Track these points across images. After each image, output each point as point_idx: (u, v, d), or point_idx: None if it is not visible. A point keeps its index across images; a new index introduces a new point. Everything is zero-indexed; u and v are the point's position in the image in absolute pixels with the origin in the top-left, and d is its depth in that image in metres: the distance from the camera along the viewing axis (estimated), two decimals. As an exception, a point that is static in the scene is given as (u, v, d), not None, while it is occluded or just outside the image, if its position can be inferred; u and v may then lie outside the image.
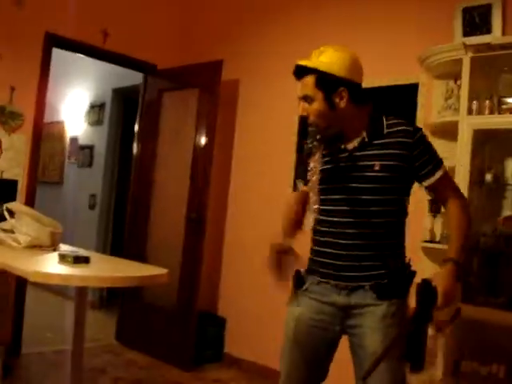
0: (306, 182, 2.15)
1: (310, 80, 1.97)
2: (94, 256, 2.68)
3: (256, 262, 4.50)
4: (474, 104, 3.06)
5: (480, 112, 3.05)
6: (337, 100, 1.97)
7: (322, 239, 2.09)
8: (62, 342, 4.40)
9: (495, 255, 2.97)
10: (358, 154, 2.01)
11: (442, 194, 2.09)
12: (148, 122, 5.08)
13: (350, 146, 2.03)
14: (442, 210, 3.24)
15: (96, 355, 4.49)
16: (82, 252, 2.69)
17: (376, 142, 1.99)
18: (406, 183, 2.05)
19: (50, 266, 2.49)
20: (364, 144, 2.00)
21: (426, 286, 1.83)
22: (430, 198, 3.13)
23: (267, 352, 4.31)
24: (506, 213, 3.09)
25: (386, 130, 1.99)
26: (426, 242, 3.26)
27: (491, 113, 3.03)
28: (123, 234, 5.27)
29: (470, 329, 2.96)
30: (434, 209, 3.23)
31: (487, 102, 3.04)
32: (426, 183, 2.03)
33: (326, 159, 2.09)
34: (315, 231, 2.13)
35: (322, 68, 1.95)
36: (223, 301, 4.81)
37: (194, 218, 4.45)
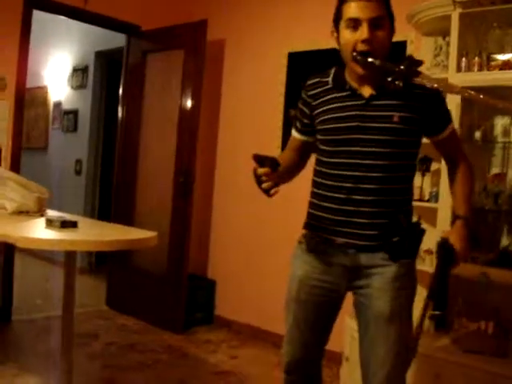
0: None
1: (382, 5, 1.90)
2: (82, 221, 2.65)
3: (245, 223, 4.52)
4: (463, 61, 3.02)
5: (469, 69, 3.01)
6: (391, 36, 1.94)
7: (329, 194, 1.96)
8: (52, 308, 4.40)
9: (484, 212, 2.98)
10: (374, 102, 1.90)
11: (449, 151, 2.08)
12: (133, 85, 4.99)
13: (366, 92, 1.92)
14: (432, 168, 3.24)
15: (87, 320, 4.50)
16: (69, 217, 2.66)
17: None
18: (419, 136, 1.99)
19: (38, 231, 2.46)
20: (382, 92, 1.89)
21: (445, 246, 1.89)
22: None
23: (257, 313, 4.35)
24: (495, 170, 3.09)
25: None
26: (415, 200, 3.24)
27: (480, 69, 2.99)
28: (110, 198, 5.24)
29: (458, 285, 2.99)
30: (424, 167, 3.21)
31: (476, 58, 3.00)
32: (436, 139, 2.03)
33: (332, 106, 1.97)
34: (319, 184, 2.01)
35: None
36: (212, 263, 4.82)
37: (181, 180, 4.42)
